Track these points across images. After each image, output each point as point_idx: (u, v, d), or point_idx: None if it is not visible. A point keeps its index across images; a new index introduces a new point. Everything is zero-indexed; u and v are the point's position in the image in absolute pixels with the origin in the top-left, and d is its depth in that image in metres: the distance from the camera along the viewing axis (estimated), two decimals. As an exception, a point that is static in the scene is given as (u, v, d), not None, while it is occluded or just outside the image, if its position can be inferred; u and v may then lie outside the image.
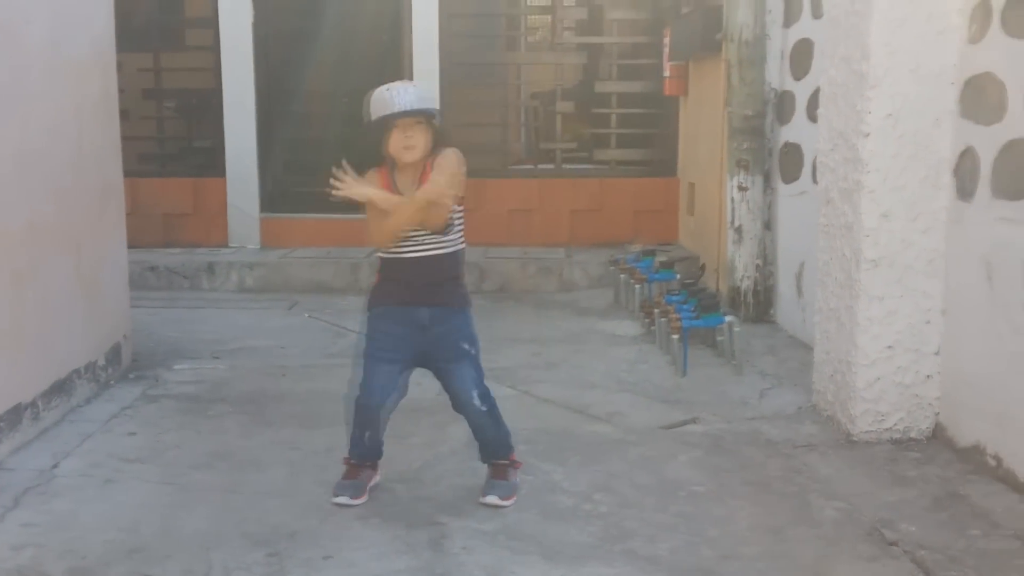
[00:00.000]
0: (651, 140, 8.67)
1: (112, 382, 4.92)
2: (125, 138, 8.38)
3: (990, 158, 3.87)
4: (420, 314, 3.51)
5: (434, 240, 3.49)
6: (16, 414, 3.95)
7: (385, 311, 3.56)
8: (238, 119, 8.21)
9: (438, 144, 3.50)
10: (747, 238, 6.37)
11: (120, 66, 8.27)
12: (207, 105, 8.37)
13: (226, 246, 8.28)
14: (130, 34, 8.32)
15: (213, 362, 5.44)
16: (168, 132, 8.72)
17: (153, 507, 3.52)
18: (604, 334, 6.26)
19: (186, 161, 8.67)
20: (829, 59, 4.55)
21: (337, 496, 3.58)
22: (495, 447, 3.71)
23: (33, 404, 4.09)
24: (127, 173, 8.12)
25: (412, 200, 3.39)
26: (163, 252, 8.00)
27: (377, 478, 3.74)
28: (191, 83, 8.62)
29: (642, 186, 8.50)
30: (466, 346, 3.58)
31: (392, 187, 3.48)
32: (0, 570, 3.01)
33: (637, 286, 6.53)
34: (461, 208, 3.56)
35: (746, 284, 6.38)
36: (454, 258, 3.56)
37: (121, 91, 8.28)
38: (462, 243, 3.59)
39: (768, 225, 6.38)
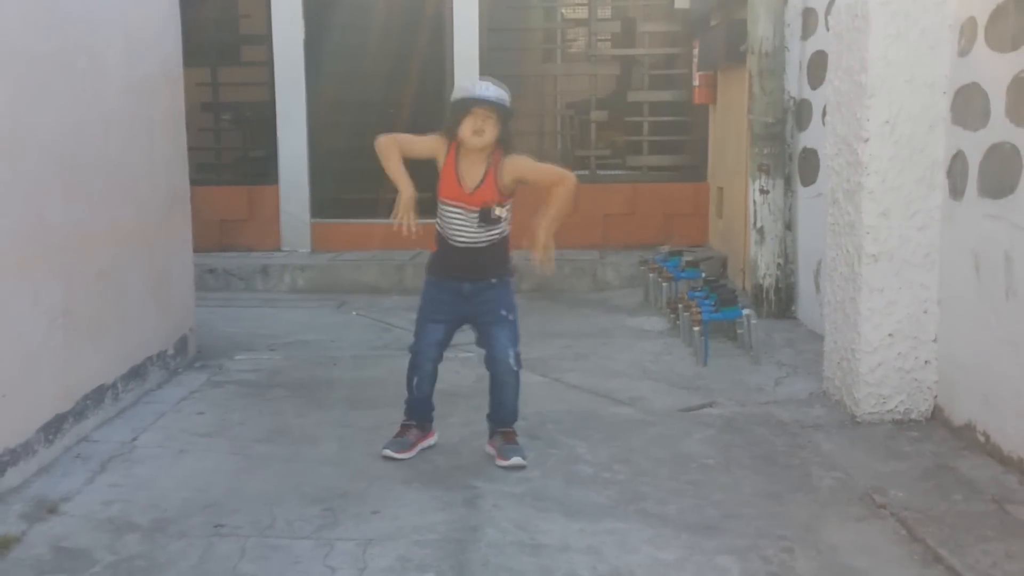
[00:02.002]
0: (682, 147, 9.05)
1: (180, 370, 5.42)
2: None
3: (977, 160, 4.22)
4: (463, 287, 4.05)
5: (483, 233, 3.97)
6: (100, 393, 4.45)
7: (436, 281, 4.13)
8: (290, 130, 8.72)
9: (504, 144, 3.97)
10: (768, 238, 6.73)
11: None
12: (261, 117, 8.89)
13: (279, 250, 8.78)
14: (189, 50, 8.82)
15: (269, 353, 5.92)
16: (225, 143, 9.26)
17: (222, 472, 3.99)
18: (632, 329, 6.65)
19: (241, 170, 9.21)
20: (833, 71, 4.93)
21: (384, 449, 4.13)
22: (508, 412, 4.20)
23: (114, 386, 4.59)
24: (187, 182, 8.71)
25: (557, 212, 4.03)
26: (220, 255, 8.52)
27: (430, 441, 4.25)
28: (246, 96, 9.16)
29: (673, 191, 8.89)
30: (504, 312, 4.10)
31: (455, 175, 3.95)
32: (95, 520, 3.49)
33: (664, 284, 6.92)
34: (510, 203, 4.03)
35: (768, 282, 6.74)
36: (500, 245, 4.06)
37: (182, 105, 8.86)
38: (508, 229, 4.07)
39: (789, 226, 6.74)
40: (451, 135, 3.95)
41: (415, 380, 4.18)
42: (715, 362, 5.67)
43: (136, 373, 4.84)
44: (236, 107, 9.27)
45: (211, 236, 8.68)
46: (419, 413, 4.24)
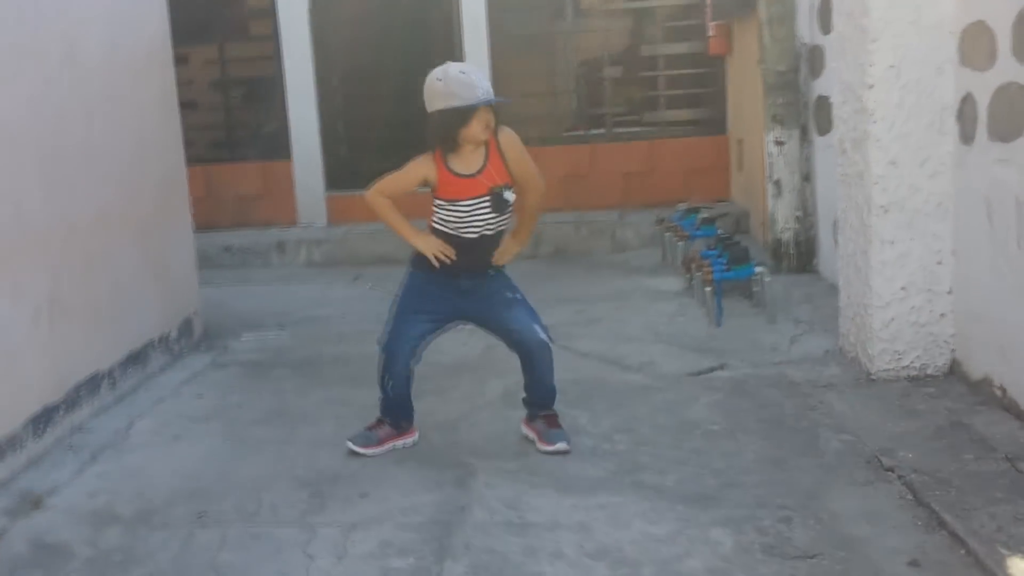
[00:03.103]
0: (699, 100, 8.82)
1: (184, 352, 5.39)
2: (197, 127, 8.93)
3: (985, 103, 4.01)
4: (461, 282, 3.78)
5: (496, 220, 3.70)
6: (94, 382, 4.41)
7: (427, 276, 3.78)
8: (300, 103, 8.61)
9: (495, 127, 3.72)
10: (786, 191, 6.53)
11: (187, 59, 8.82)
12: (271, 91, 8.80)
13: (295, 224, 8.72)
14: (195, 29, 8.80)
15: (277, 331, 5.87)
16: (236, 119, 9.19)
17: (215, 458, 3.94)
18: (648, 290, 6.51)
19: (254, 146, 9.13)
20: (837, 15, 4.73)
21: (348, 441, 3.90)
22: (548, 391, 3.94)
23: (110, 373, 4.56)
24: (201, 160, 8.69)
25: (529, 228, 3.88)
26: (237, 232, 8.49)
27: (406, 441, 3.95)
28: (255, 71, 9.06)
29: (692, 145, 8.67)
30: (510, 294, 3.83)
31: (450, 173, 3.65)
32: (78, 513, 3.46)
33: (680, 243, 6.76)
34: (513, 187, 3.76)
35: (787, 236, 6.55)
36: (503, 235, 3.81)
37: (190, 83, 8.86)
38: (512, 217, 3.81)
39: (807, 177, 6.53)
40: (450, 146, 3.63)
41: (388, 382, 3.86)
42: (730, 322, 5.52)
43: (135, 359, 4.81)
44: (245, 82, 9.19)
45: (227, 213, 8.68)
46: (396, 412, 3.94)
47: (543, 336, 3.84)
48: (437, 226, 3.77)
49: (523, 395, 4.03)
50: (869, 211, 4.44)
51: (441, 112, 3.58)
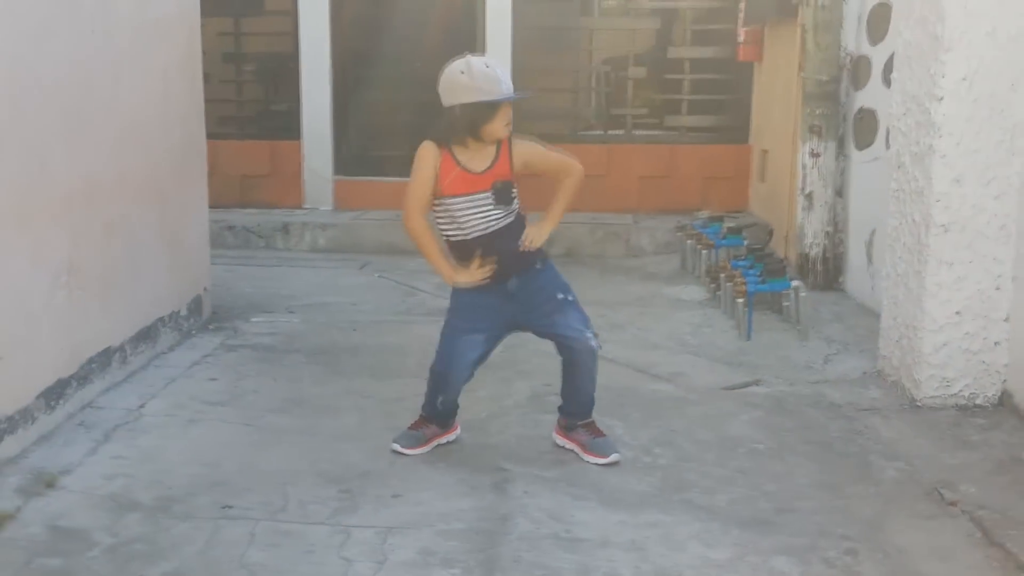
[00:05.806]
0: (723, 106, 8.62)
1: (193, 332, 5.13)
2: (206, 101, 8.62)
3: (1063, 123, 3.84)
4: (508, 284, 3.54)
5: (499, 213, 3.49)
6: (106, 356, 4.15)
7: (475, 289, 3.54)
8: (314, 83, 8.35)
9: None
10: (817, 205, 6.35)
11: (200, 29, 8.49)
12: (285, 69, 8.52)
13: (300, 207, 8.45)
14: (210, -1, 8.51)
15: (288, 316, 5.61)
16: (247, 95, 8.91)
17: (233, 446, 3.70)
18: (669, 298, 6.30)
19: (264, 124, 8.85)
20: (904, 21, 4.53)
21: (394, 443, 3.69)
22: (588, 400, 3.73)
23: (121, 348, 4.30)
24: (208, 136, 8.39)
25: (563, 206, 3.60)
26: (241, 212, 8.22)
27: (450, 437, 3.80)
28: (270, 47, 8.78)
29: (713, 153, 8.48)
30: (561, 295, 3.60)
31: (459, 168, 3.46)
32: (95, 496, 3.22)
33: (704, 251, 6.56)
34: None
35: (815, 251, 6.37)
36: (520, 223, 3.57)
37: (202, 54, 8.53)
38: (519, 209, 3.59)
39: (840, 192, 6.35)
40: (467, 141, 3.44)
41: (439, 399, 3.69)
42: (759, 336, 5.32)
43: (146, 335, 4.55)
44: (259, 58, 8.90)
45: (231, 192, 8.38)
46: (442, 419, 3.78)
47: (593, 343, 3.63)
48: (447, 233, 3.57)
49: (560, 403, 3.80)
50: (927, 230, 4.25)
51: (464, 106, 3.38)
